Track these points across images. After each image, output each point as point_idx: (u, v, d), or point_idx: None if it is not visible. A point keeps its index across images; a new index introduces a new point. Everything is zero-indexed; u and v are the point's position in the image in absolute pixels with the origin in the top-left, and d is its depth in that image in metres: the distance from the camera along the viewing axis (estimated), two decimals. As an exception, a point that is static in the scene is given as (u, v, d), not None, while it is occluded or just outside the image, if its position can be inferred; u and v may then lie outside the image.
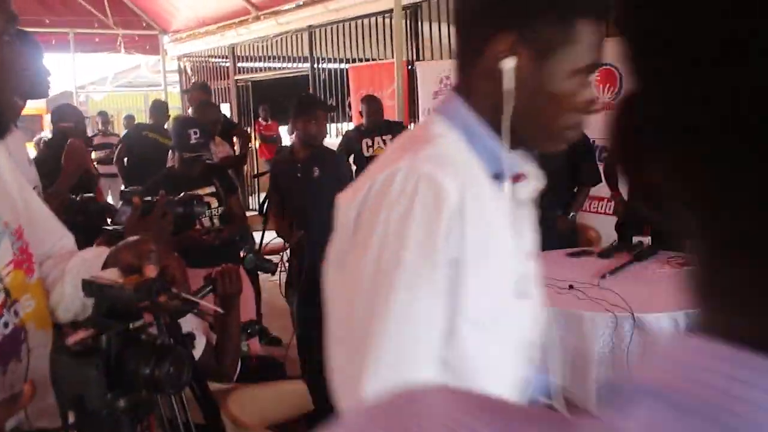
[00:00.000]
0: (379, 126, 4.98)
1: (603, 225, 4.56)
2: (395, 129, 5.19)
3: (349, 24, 7.73)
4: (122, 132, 9.37)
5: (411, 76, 7.17)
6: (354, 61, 8.06)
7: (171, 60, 11.80)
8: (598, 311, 2.67)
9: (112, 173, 8.49)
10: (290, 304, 3.72)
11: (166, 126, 6.67)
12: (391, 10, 6.98)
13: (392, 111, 7.16)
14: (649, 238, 3.65)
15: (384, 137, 4.92)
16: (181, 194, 1.72)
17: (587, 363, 2.69)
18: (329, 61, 8.54)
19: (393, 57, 7.33)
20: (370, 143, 4.90)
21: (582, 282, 3.07)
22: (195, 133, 2.95)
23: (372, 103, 4.99)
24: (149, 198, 1.58)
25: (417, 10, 7.05)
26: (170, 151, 4.18)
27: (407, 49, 7.23)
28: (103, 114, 8.97)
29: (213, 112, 4.63)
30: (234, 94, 10.61)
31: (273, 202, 3.72)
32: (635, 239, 3.67)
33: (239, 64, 10.48)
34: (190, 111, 5.57)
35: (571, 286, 2.99)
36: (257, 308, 3.93)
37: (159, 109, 6.99)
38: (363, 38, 7.69)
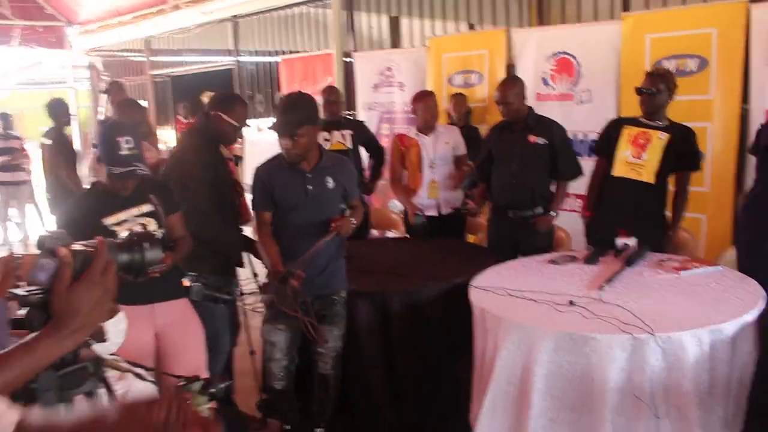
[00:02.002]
0: (338, 120, 4.53)
1: (571, 224, 4.25)
2: (356, 126, 4.73)
3: (278, 13, 7.20)
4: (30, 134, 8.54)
5: (347, 68, 6.73)
6: (283, 53, 7.54)
7: (79, 54, 10.89)
8: (614, 333, 2.33)
9: (16, 181, 7.70)
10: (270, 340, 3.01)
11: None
12: (322, -1, 6.54)
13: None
14: (635, 239, 3.35)
15: (343, 132, 4.47)
16: (126, 234, 1.23)
17: (601, 392, 2.34)
18: (256, 53, 7.98)
19: (326, 48, 6.89)
20: (327, 137, 4.44)
21: (580, 296, 2.73)
22: (127, 141, 2.41)
23: (331, 94, 4.55)
24: (82, 246, 1.09)
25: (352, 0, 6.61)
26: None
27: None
28: (3, 116, 8.03)
29: (137, 112, 4.05)
30: (151, 90, 9.87)
31: (262, 222, 2.98)
32: (620, 241, 3.37)
33: (156, 58, 9.74)
34: (109, 113, 4.93)
35: (571, 302, 2.64)
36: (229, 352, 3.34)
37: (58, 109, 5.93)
38: (293, 29, 7.19)
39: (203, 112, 3.27)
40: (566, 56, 4.90)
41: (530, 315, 2.59)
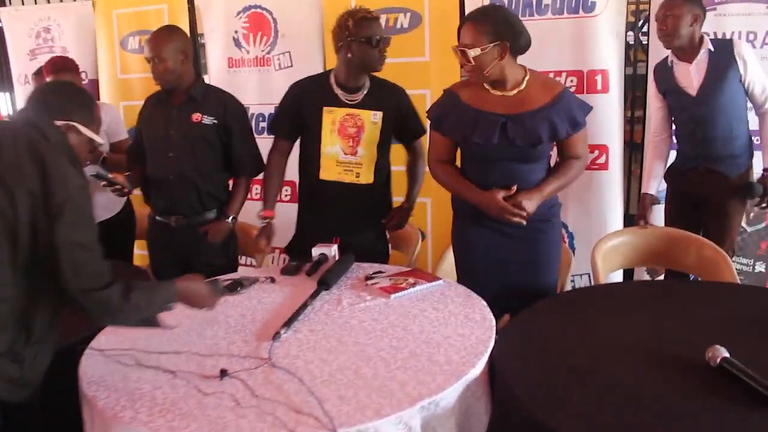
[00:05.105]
0: None
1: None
2: None
3: None
4: None
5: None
6: None
7: None
8: (273, 438, 1.41)
9: None
10: None
11: None
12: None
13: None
14: (335, 247, 2.50)
15: None
16: None
17: None
18: None
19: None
20: None
21: (243, 355, 1.80)
22: None
23: None
24: None
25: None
26: None
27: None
28: None
29: None
30: None
31: None
32: (318, 250, 2.50)
33: None
34: None
35: (224, 373, 1.68)
36: None
37: None
38: None
39: None
40: (260, 11, 3.94)
41: (155, 405, 1.58)
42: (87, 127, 1.80)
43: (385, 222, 2.77)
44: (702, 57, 2.81)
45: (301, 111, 2.65)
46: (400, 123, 2.70)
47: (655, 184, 3.10)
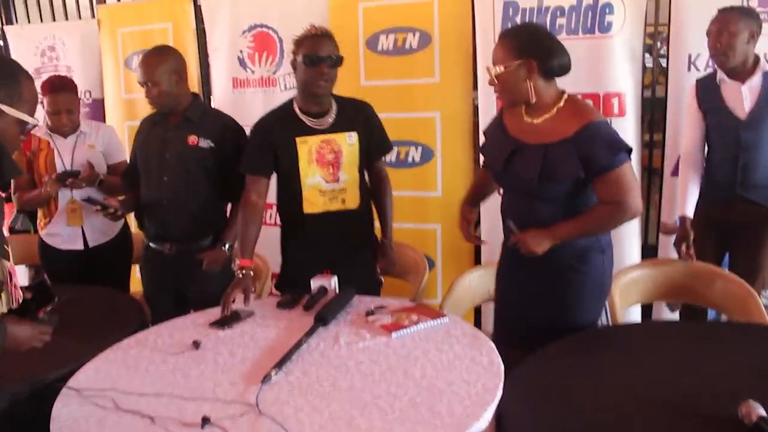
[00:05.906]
0: None
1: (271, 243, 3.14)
2: None
3: None
4: None
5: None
6: None
7: None
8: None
9: None
10: None
11: None
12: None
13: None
14: (335, 279, 2.36)
15: None
16: None
17: None
18: None
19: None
20: None
21: (228, 399, 1.65)
22: None
23: None
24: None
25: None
26: None
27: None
28: None
29: None
30: None
31: None
32: (317, 282, 2.36)
33: None
34: None
35: (205, 420, 1.54)
36: None
37: None
38: None
39: None
40: (265, 30, 3.84)
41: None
42: (12, 107, 1.57)
43: (379, 269, 2.61)
44: (757, 78, 2.64)
45: (274, 146, 2.46)
46: (368, 139, 2.53)
47: (693, 205, 2.84)
